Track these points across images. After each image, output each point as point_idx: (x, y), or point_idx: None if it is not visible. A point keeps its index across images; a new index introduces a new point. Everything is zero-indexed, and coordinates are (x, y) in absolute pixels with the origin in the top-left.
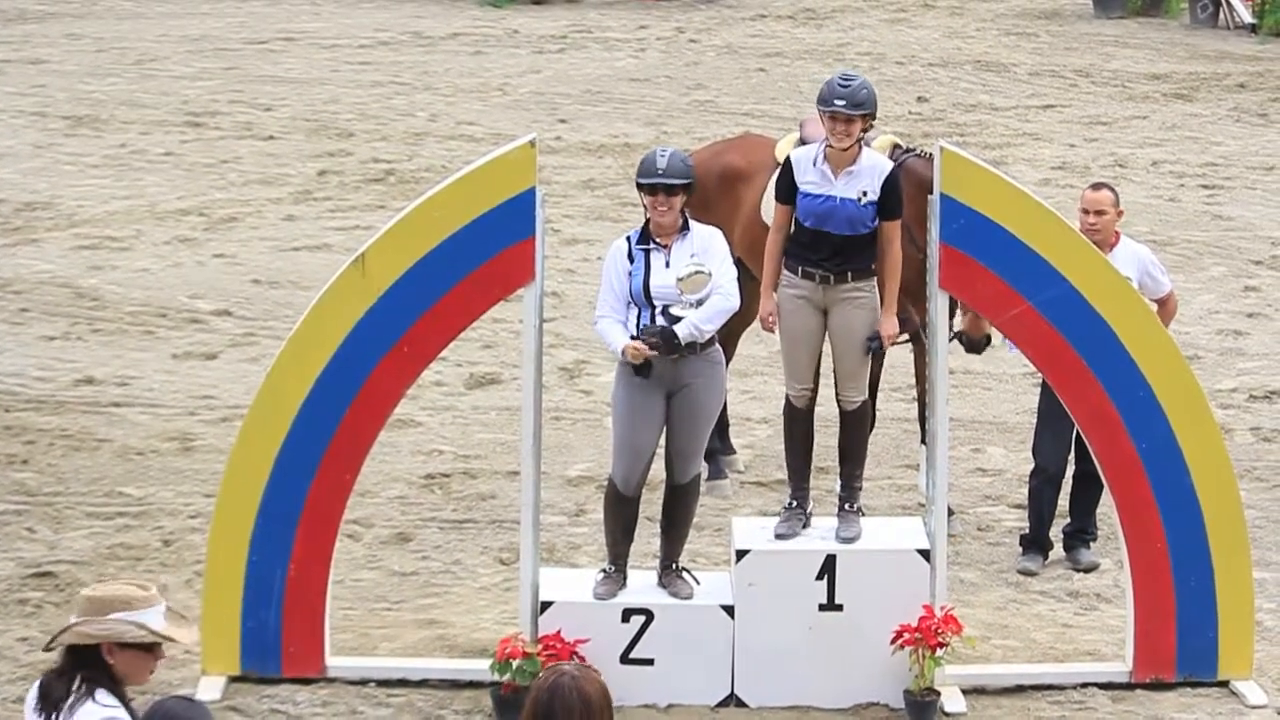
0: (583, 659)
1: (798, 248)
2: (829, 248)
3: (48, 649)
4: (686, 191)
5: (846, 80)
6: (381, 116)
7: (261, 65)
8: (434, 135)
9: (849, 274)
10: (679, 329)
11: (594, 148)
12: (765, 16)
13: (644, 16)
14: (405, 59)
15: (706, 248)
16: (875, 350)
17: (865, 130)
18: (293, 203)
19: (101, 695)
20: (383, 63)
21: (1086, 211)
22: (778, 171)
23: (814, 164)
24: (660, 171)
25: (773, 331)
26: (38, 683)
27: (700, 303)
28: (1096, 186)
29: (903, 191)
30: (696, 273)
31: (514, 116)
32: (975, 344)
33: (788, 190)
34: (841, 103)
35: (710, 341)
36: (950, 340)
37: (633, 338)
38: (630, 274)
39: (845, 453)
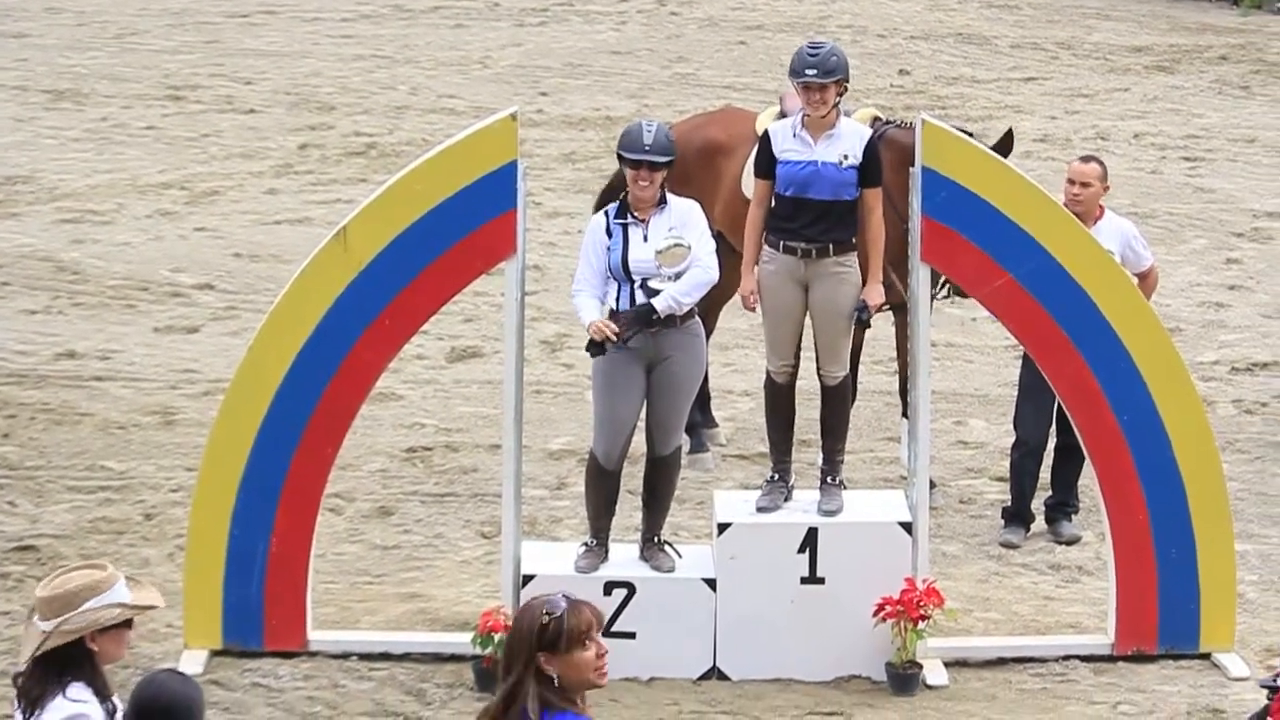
0: None
1: (778, 221)
2: (811, 214)
3: (33, 658)
4: (669, 168)
5: (815, 48)
6: (363, 90)
7: (242, 39)
8: (415, 109)
9: (831, 247)
10: (657, 302)
11: (575, 121)
12: None
13: None
14: (386, 32)
15: (685, 220)
16: (863, 319)
17: (840, 95)
18: (274, 176)
19: (74, 690)
20: (364, 36)
21: (1072, 182)
22: (756, 146)
23: (793, 134)
24: (646, 148)
25: (754, 310)
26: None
27: (679, 276)
28: (1085, 159)
29: (883, 159)
30: (675, 246)
31: (495, 90)
32: (962, 290)
33: (767, 164)
34: (813, 72)
35: (690, 314)
36: (941, 289)
37: (612, 314)
38: (609, 249)
39: (827, 426)
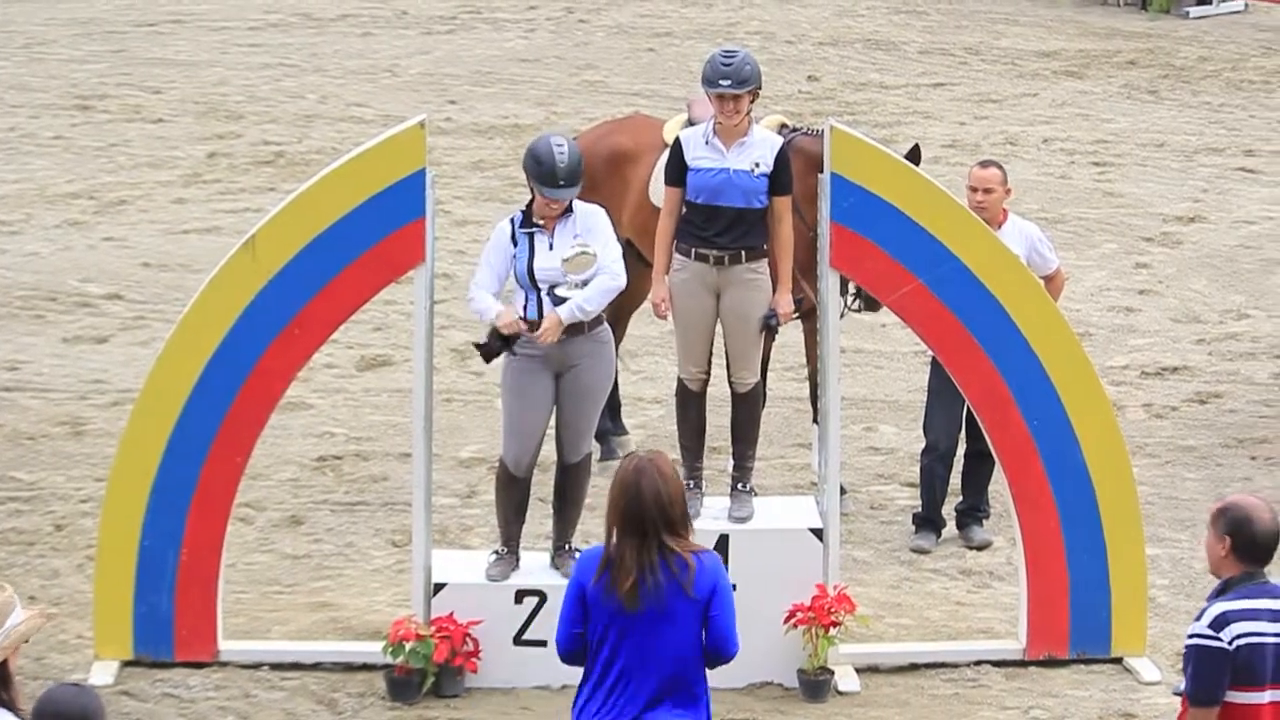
0: (476, 641)
1: (690, 228)
2: (723, 222)
3: None
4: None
5: (729, 58)
6: (271, 99)
7: (150, 48)
8: (324, 117)
9: (743, 254)
10: (562, 310)
11: (484, 129)
12: None
13: None
14: (294, 40)
15: (590, 227)
16: (774, 327)
17: (752, 103)
18: (182, 185)
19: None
20: (272, 44)
21: (974, 189)
22: (666, 153)
23: (705, 141)
24: (561, 183)
25: (665, 319)
26: None
27: (586, 283)
28: (984, 164)
29: (792, 168)
30: (581, 253)
31: (403, 98)
32: (874, 302)
33: (677, 172)
34: (727, 82)
35: (598, 321)
36: (852, 301)
37: (522, 319)
38: (514, 257)
39: (738, 433)
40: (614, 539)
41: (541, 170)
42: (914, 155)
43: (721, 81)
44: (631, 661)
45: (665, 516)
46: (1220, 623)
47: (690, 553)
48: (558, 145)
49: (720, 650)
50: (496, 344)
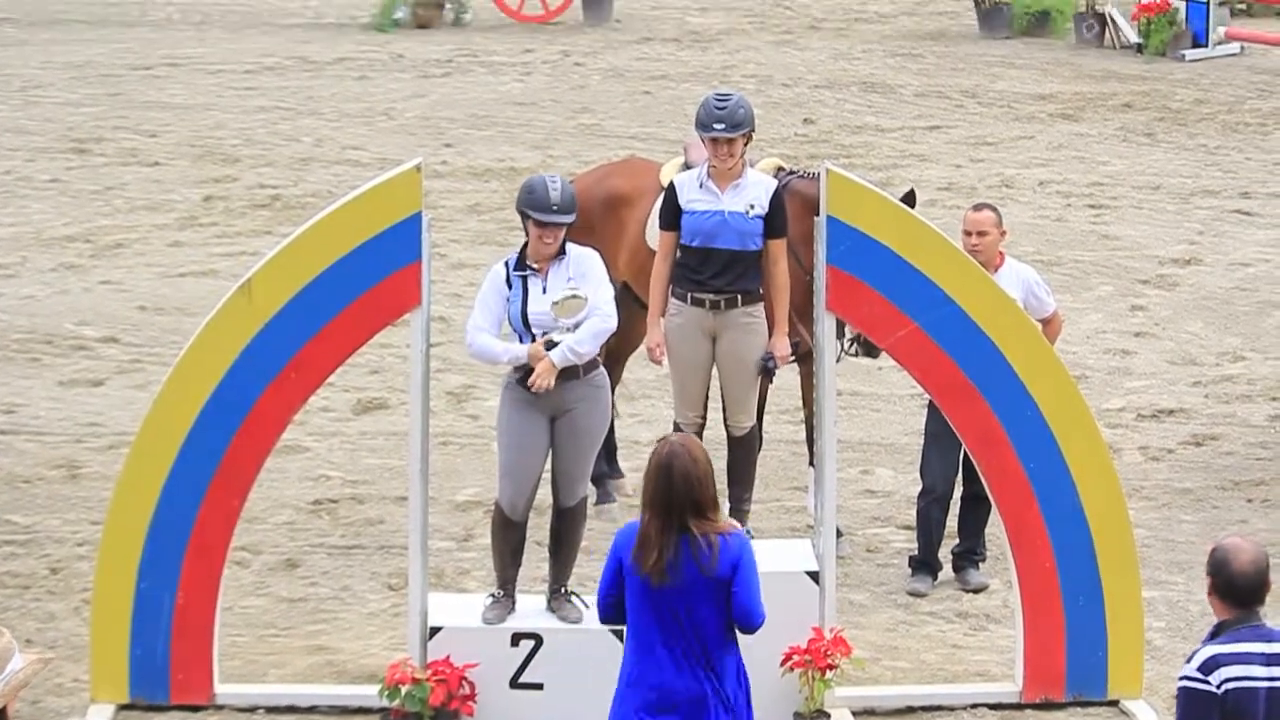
0: (472, 685)
1: (685, 272)
2: (718, 264)
3: None
4: (572, 225)
5: (722, 101)
6: (267, 142)
7: (146, 91)
8: (320, 160)
9: (739, 298)
10: (554, 354)
11: (480, 172)
12: (651, 39)
13: (529, 40)
14: (291, 84)
15: (584, 271)
16: (771, 370)
17: (746, 145)
18: (179, 229)
19: None
20: (268, 88)
21: (969, 233)
22: (661, 197)
23: (699, 185)
24: (554, 207)
25: (660, 364)
26: None
27: (577, 326)
28: (978, 207)
29: (787, 210)
30: (571, 297)
31: (400, 141)
32: (873, 348)
33: (672, 216)
34: (721, 126)
35: (594, 364)
36: (850, 346)
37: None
38: (509, 300)
39: (734, 475)
40: (645, 518)
41: (534, 198)
42: (909, 199)
43: (716, 125)
44: (662, 633)
45: (693, 498)
46: (1210, 666)
47: (717, 534)
48: (551, 178)
49: (745, 623)
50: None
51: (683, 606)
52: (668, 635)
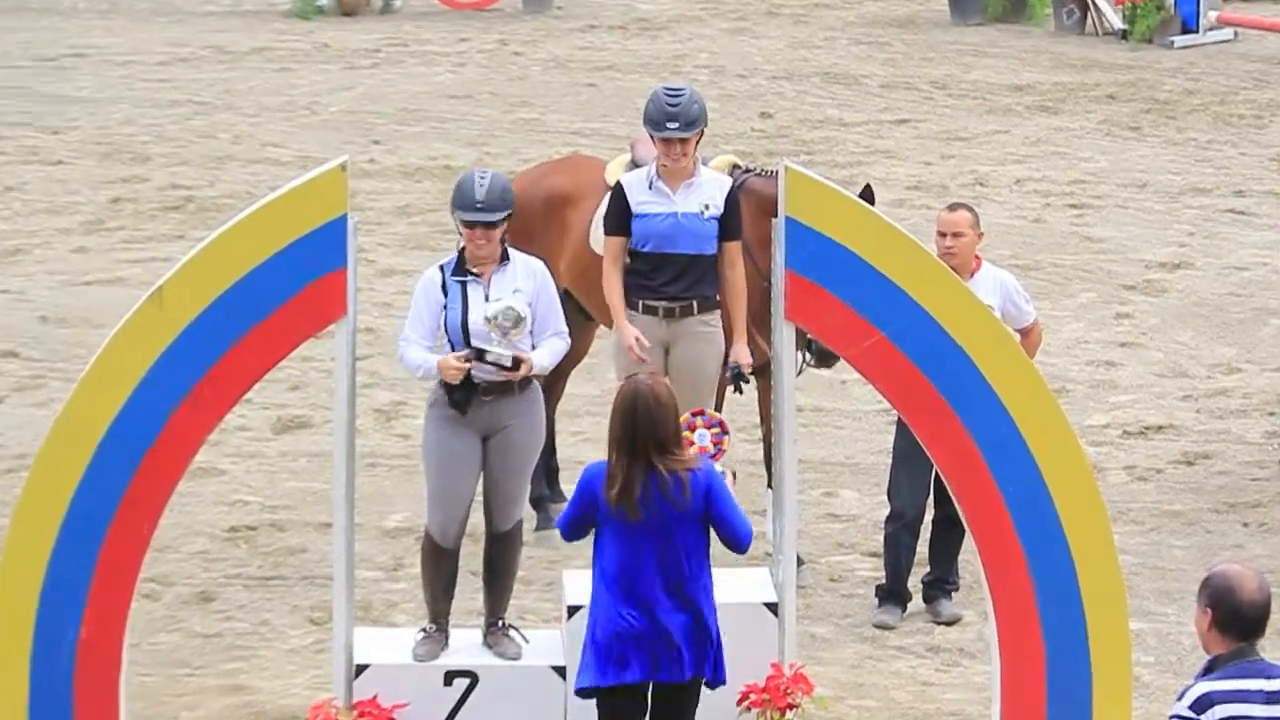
0: None
1: (636, 279)
2: (673, 270)
3: None
4: (507, 221)
5: (674, 97)
6: (180, 139)
7: (49, 84)
8: (237, 159)
9: (695, 304)
10: (535, 357)
11: (411, 171)
12: (595, 27)
13: (464, 28)
14: (205, 76)
15: (537, 288)
16: (739, 379)
17: (698, 141)
18: (83, 233)
19: None
20: (181, 80)
21: (943, 234)
22: (607, 199)
23: (649, 186)
24: (479, 205)
25: (646, 360)
26: None
27: (506, 337)
28: (953, 207)
29: (742, 211)
30: (507, 308)
31: (324, 137)
32: (828, 356)
33: (621, 219)
34: (675, 125)
35: (527, 380)
36: (806, 356)
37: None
38: (445, 307)
39: None
40: (612, 457)
41: (460, 194)
42: (867, 195)
43: (669, 125)
44: (634, 569)
45: (656, 436)
46: (1203, 704)
47: (686, 470)
48: (481, 173)
49: (737, 544)
50: (458, 395)
51: (655, 543)
52: (643, 573)
